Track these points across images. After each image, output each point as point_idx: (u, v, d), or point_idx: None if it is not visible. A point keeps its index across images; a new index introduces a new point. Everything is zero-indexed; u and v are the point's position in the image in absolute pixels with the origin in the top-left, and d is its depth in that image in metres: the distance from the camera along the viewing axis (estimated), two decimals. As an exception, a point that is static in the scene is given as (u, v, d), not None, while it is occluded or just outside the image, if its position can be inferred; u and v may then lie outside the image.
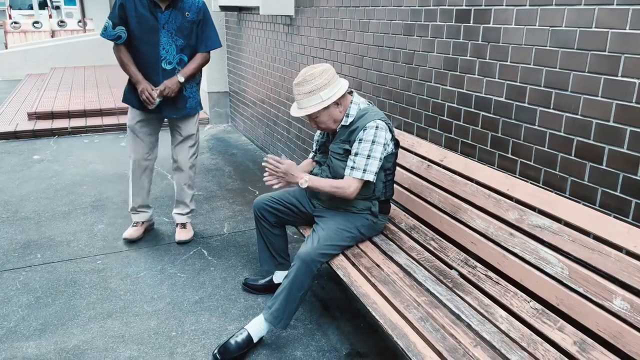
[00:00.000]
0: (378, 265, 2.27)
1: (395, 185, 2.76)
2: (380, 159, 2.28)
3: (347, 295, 2.79)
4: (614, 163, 1.78)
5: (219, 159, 5.32)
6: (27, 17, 19.16)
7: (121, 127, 6.42)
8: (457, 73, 2.47)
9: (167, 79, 3.08)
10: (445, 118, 2.60)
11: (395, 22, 2.93)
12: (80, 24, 14.91)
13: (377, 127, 2.25)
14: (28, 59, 10.87)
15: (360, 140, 2.25)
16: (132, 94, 3.16)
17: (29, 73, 10.54)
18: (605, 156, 1.81)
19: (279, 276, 2.77)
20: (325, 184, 2.32)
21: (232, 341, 2.28)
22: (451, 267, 2.22)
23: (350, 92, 2.40)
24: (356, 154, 2.26)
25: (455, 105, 2.52)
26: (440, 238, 2.37)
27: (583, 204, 1.88)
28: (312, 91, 2.23)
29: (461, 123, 2.49)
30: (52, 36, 13.84)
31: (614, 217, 1.80)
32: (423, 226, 2.51)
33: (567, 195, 1.97)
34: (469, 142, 2.44)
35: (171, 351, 2.34)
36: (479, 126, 2.37)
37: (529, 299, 1.88)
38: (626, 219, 1.76)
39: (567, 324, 1.73)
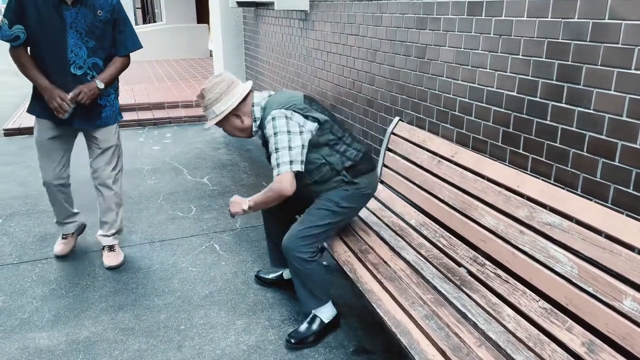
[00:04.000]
0: (385, 262, 2.24)
1: (406, 182, 2.73)
2: (292, 147, 2.13)
3: (355, 292, 2.78)
4: (627, 159, 1.72)
5: (235, 154, 5.34)
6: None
7: (141, 123, 6.50)
8: (469, 67, 2.42)
9: (77, 85, 2.70)
10: (456, 113, 2.55)
11: (407, 15, 2.89)
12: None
13: (273, 119, 2.17)
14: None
15: (268, 137, 2.20)
16: (38, 103, 2.77)
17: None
18: (618, 152, 1.75)
19: (288, 272, 2.77)
20: (261, 196, 2.25)
21: (302, 326, 2.39)
22: (460, 265, 2.18)
23: (249, 93, 2.30)
24: (275, 150, 2.15)
25: (467, 100, 2.47)
26: (450, 235, 2.34)
27: (595, 202, 1.82)
28: (206, 106, 2.27)
29: (473, 118, 2.44)
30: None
31: (626, 215, 1.74)
32: (433, 223, 2.47)
33: (578, 193, 1.92)
34: (480, 137, 2.40)
35: (179, 344, 2.36)
36: (491, 121, 2.32)
37: (537, 298, 1.84)
38: (638, 217, 1.70)
39: (575, 324, 1.68)
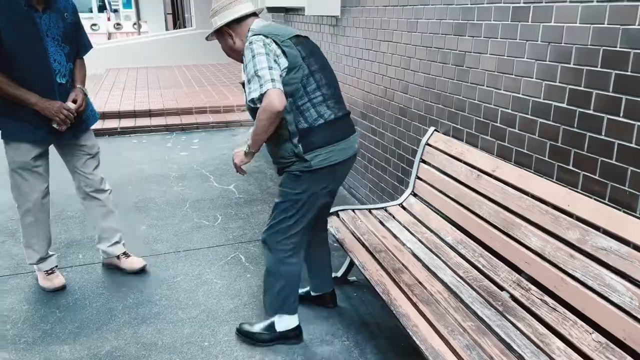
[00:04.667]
0: (421, 283, 2.11)
1: (441, 195, 2.59)
2: (272, 67, 1.95)
3: (387, 311, 2.64)
4: (697, 180, 1.55)
5: (261, 161, 5.27)
6: (86, 19, 20.03)
7: (169, 128, 6.51)
8: (513, 76, 2.27)
9: (64, 95, 2.60)
10: (498, 124, 2.40)
11: (445, 21, 2.76)
12: (135, 26, 15.39)
13: (250, 43, 2.02)
14: (85, 60, 11.28)
15: (247, 63, 2.01)
16: (15, 125, 2.56)
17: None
18: (686, 172, 1.58)
19: (315, 288, 2.66)
20: (253, 128, 2.06)
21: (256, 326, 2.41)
22: (502, 289, 2.03)
23: (252, 15, 2.17)
24: (255, 72, 1.96)
25: (509, 110, 2.32)
26: (490, 255, 2.19)
27: (657, 226, 1.65)
28: (210, 16, 2.21)
29: (516, 130, 2.28)
30: (108, 38, 14.34)
31: (696, 242, 1.57)
32: (471, 241, 2.33)
33: (637, 215, 1.75)
34: (525, 151, 2.24)
35: (202, 362, 2.27)
36: (536, 134, 2.16)
37: (591, 330, 1.68)
38: None
39: (636, 362, 1.52)
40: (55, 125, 2.55)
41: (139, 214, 3.90)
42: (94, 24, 14.01)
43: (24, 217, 2.77)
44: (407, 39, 3.17)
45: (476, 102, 2.55)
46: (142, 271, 3.03)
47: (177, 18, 18.01)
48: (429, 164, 2.80)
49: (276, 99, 1.92)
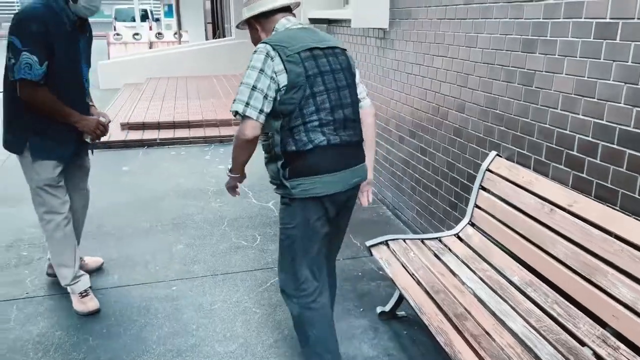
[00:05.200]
0: (488, 333, 1.87)
1: (505, 228, 2.35)
2: (257, 87, 1.81)
3: (444, 357, 2.40)
4: None
5: (301, 176, 5.11)
6: (129, 28, 20.47)
7: (207, 140, 6.43)
8: (595, 100, 2.02)
9: (88, 114, 2.69)
10: (574, 153, 2.14)
11: (511, 36, 2.52)
12: (175, 35, 15.61)
13: (255, 52, 1.87)
14: (126, 70, 11.45)
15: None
16: (49, 143, 2.55)
17: (127, 83, 11.09)
18: None
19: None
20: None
21: None
22: (583, 344, 1.77)
23: (283, 11, 2.01)
24: (240, 83, 1.88)
25: (590, 138, 2.06)
26: (568, 303, 1.93)
27: None
28: (242, 6, 2.09)
29: (598, 161, 2.02)
30: (150, 47, 14.57)
31: None
32: (542, 284, 2.07)
33: None
34: (609, 185, 1.98)
35: (241, 407, 2.09)
36: (624, 167, 1.90)
37: (703, 408, 1.41)
38: None
39: None
40: (88, 140, 2.67)
41: (176, 232, 3.78)
42: (137, 34, 14.24)
43: (54, 234, 2.71)
44: (464, 54, 2.94)
45: (547, 126, 2.30)
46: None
47: (217, 28, 18.19)
48: (489, 192, 2.55)
49: (247, 129, 1.84)
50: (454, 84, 3.08)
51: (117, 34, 14.18)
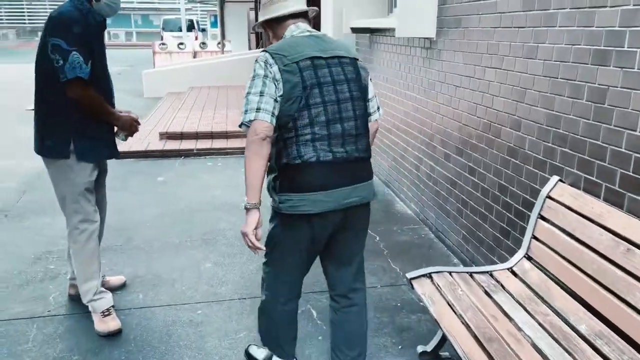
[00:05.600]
0: (552, 397, 1.57)
1: (569, 266, 2.04)
2: (265, 92, 1.76)
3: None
4: None
5: (338, 192, 4.88)
6: (176, 38, 20.91)
7: (244, 151, 6.30)
8: (686, 122, 1.70)
9: None
10: (657, 183, 1.83)
11: (578, 47, 2.22)
12: (219, 45, 15.76)
13: (256, 61, 1.84)
14: (169, 78, 11.59)
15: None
16: (94, 144, 2.54)
17: (169, 92, 11.21)
18: None
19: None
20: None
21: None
22: (672, 419, 1.46)
23: (295, 17, 1.94)
24: (247, 94, 1.82)
25: (678, 167, 1.74)
26: (650, 365, 1.61)
27: None
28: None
29: (689, 195, 1.71)
30: (194, 57, 14.76)
31: None
32: (616, 337, 1.76)
33: None
34: None
35: None
36: None
37: None
38: None
39: None
40: (122, 138, 2.68)
41: (205, 248, 3.62)
42: (181, 43, 14.47)
43: (86, 244, 2.60)
44: (522, 66, 2.65)
45: (623, 150, 1.99)
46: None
47: (260, 37, 18.31)
48: (550, 222, 2.25)
49: (259, 127, 1.76)
50: (508, 98, 2.79)
51: (163, 44, 14.44)
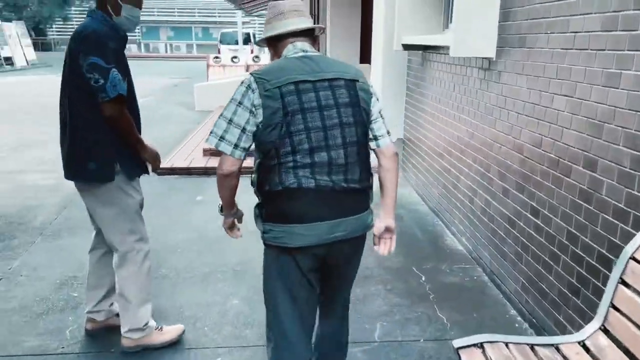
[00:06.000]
0: None
1: (620, 317, 1.62)
2: (234, 121, 1.72)
3: None
4: None
5: (383, 220, 4.52)
6: (232, 51, 21.28)
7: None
8: None
9: None
10: None
11: (677, 76, 1.81)
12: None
13: (241, 83, 1.77)
14: (221, 92, 11.60)
15: None
16: (138, 160, 2.48)
17: (220, 105, 11.22)
18: None
19: None
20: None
21: None
22: None
23: (295, 35, 1.84)
24: (220, 115, 1.79)
25: None
26: None
27: None
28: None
29: None
30: (246, 70, 14.82)
31: None
32: None
33: None
34: None
35: None
36: None
37: None
38: None
39: None
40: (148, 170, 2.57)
41: (235, 281, 3.37)
42: (235, 57, 14.58)
43: (143, 266, 2.53)
44: (600, 96, 2.24)
45: None
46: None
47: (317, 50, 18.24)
48: (635, 290, 1.82)
49: (223, 163, 1.78)
50: (582, 132, 2.38)
51: (216, 57, 14.59)
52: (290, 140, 1.69)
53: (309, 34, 1.87)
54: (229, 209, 1.95)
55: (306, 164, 1.71)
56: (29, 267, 3.52)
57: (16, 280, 3.33)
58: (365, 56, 11.65)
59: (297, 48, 1.81)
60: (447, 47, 4.18)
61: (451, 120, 4.22)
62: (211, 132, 1.76)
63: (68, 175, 2.44)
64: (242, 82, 1.76)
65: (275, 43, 1.87)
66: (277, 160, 1.71)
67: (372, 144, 1.87)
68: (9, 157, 6.89)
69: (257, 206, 1.84)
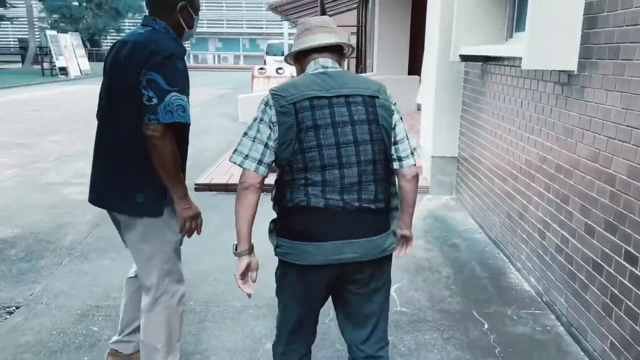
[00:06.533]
0: None
1: None
2: (257, 138, 1.73)
3: None
4: None
5: (435, 250, 4.06)
6: (278, 62, 21.24)
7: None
8: None
9: None
10: None
11: None
12: (317, 70, 15.50)
13: (261, 101, 1.77)
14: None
15: None
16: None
17: (264, 117, 11.02)
18: None
19: None
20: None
21: None
22: None
23: (319, 51, 1.82)
24: (243, 134, 1.80)
25: None
26: None
27: None
28: None
29: None
30: (291, 81, 14.60)
31: None
32: None
33: None
34: None
35: None
36: None
37: None
38: None
39: None
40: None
41: (269, 319, 2.99)
42: (280, 68, 14.40)
43: (178, 308, 2.24)
44: None
45: None
46: None
47: (360, 62, 17.90)
48: None
49: (246, 176, 1.75)
50: None
51: (261, 68, 14.47)
52: (302, 157, 1.70)
53: (336, 51, 1.84)
54: (245, 241, 1.80)
55: (317, 182, 1.71)
56: (50, 294, 3.27)
57: (36, 309, 3.09)
58: (414, 67, 11.21)
59: (319, 64, 1.80)
60: (513, 59, 3.72)
61: (517, 140, 3.72)
62: (235, 150, 1.75)
63: (104, 204, 2.16)
64: (262, 100, 1.77)
65: (301, 59, 1.86)
66: (291, 177, 1.73)
67: (395, 164, 1.82)
68: (53, 169, 6.85)
69: (273, 221, 1.84)
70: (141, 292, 2.28)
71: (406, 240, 2.03)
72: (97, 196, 2.17)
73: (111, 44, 2.23)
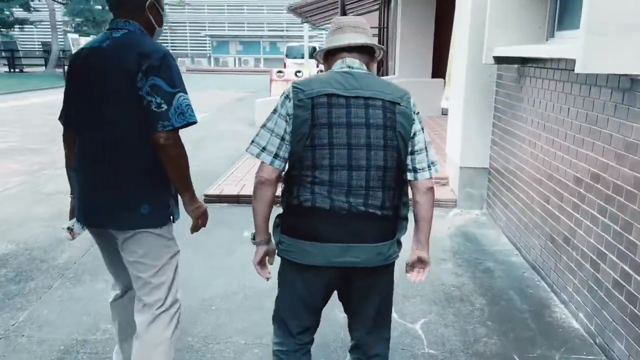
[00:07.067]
0: None
1: None
2: (274, 131, 1.74)
3: None
4: None
5: (465, 276, 3.60)
6: (298, 65, 20.93)
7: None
8: None
9: None
10: None
11: None
12: (337, 73, 15.12)
13: (282, 94, 1.77)
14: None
15: None
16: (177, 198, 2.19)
17: (281, 121, 10.68)
18: None
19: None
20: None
21: None
22: None
23: (357, 51, 1.80)
24: (262, 125, 1.81)
25: None
26: None
27: None
28: None
29: None
30: (310, 84, 14.25)
31: None
32: None
33: None
34: None
35: None
36: None
37: None
38: None
39: None
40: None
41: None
42: (299, 71, 14.04)
43: (178, 328, 2.09)
44: None
45: None
46: None
47: (382, 65, 17.47)
48: None
49: (262, 170, 1.76)
50: None
51: (280, 71, 14.11)
52: (312, 154, 1.70)
53: (365, 52, 1.83)
54: (262, 233, 1.85)
55: (324, 181, 1.71)
56: (35, 324, 2.93)
57: (16, 343, 2.74)
58: (438, 70, 10.73)
59: (345, 63, 1.79)
60: (558, 60, 3.26)
61: (563, 153, 3.26)
62: (253, 141, 1.77)
63: (102, 223, 1.98)
64: (283, 92, 1.77)
65: (330, 58, 1.85)
66: (299, 173, 1.73)
67: (409, 175, 1.81)
68: (61, 176, 6.55)
69: (278, 216, 1.84)
70: (132, 310, 2.08)
71: (423, 263, 1.91)
72: (92, 215, 1.99)
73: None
